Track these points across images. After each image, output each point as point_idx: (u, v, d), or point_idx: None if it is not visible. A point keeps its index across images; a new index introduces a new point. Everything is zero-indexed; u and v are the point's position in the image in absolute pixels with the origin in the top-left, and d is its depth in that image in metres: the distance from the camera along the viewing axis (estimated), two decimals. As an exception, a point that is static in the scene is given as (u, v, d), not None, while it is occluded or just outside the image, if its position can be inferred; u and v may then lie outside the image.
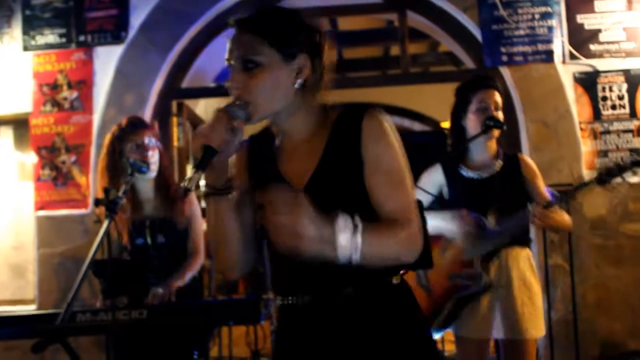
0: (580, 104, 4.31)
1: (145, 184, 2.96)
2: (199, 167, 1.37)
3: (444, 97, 8.17)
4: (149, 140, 2.89)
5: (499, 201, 2.71)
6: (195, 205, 3.01)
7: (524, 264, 2.79)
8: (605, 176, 2.62)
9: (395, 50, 7.87)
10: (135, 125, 2.92)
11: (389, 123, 1.52)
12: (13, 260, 4.86)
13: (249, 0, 4.65)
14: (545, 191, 2.79)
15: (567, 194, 2.68)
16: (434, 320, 2.75)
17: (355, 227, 1.33)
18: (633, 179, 4.16)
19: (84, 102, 4.51)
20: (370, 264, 1.37)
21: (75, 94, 4.53)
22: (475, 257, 2.70)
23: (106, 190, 2.58)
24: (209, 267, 4.27)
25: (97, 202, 2.84)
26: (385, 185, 1.46)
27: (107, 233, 2.49)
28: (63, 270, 4.33)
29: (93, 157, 4.42)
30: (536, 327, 2.73)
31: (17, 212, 4.87)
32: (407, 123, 9.71)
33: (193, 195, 3.00)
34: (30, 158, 4.61)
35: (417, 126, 9.77)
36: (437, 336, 3.11)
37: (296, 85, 1.50)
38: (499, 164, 2.84)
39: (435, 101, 8.71)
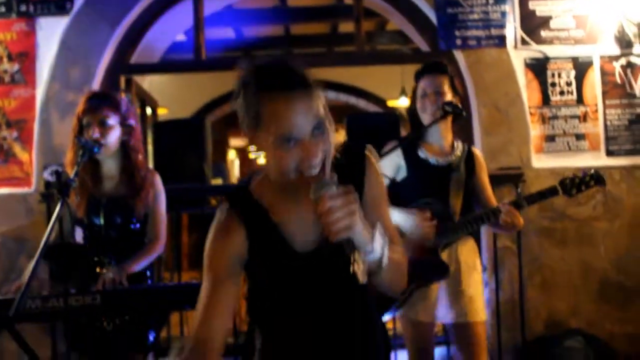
0: (530, 89, 4.39)
1: (110, 161, 2.85)
2: None
3: (390, 76, 8.27)
4: (108, 118, 2.77)
5: (459, 191, 2.76)
6: (160, 190, 2.91)
7: (471, 251, 2.90)
8: (569, 187, 2.82)
9: (343, 27, 7.85)
10: (94, 102, 2.80)
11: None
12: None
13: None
14: (490, 190, 2.94)
15: (534, 198, 2.84)
16: (394, 303, 2.78)
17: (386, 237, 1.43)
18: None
19: (26, 76, 4.29)
20: (385, 274, 1.45)
21: (16, 66, 4.30)
22: (439, 245, 2.75)
23: (57, 173, 2.48)
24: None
25: (48, 185, 2.74)
26: (384, 216, 1.56)
27: (59, 217, 2.39)
28: (5, 251, 4.13)
29: (36, 133, 4.22)
30: (483, 310, 2.84)
31: (-47, 190, 4.63)
32: (352, 100, 9.76)
33: (158, 179, 2.91)
34: (-32, 133, 4.38)
35: (362, 103, 9.83)
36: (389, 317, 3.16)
37: None
38: (457, 153, 2.90)
39: (380, 80, 8.83)
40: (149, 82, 6.23)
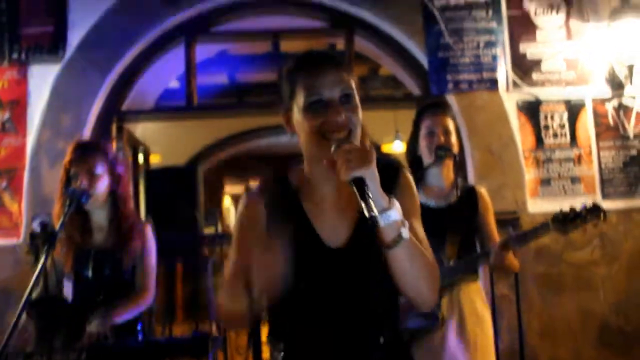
0: (523, 132, 4.38)
1: (99, 212, 2.80)
2: None
3: (383, 122, 8.29)
4: (95, 167, 2.73)
5: (457, 233, 2.69)
6: (151, 240, 2.84)
7: (475, 297, 2.80)
8: (562, 222, 2.63)
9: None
10: (81, 151, 2.76)
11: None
12: None
13: (190, 24, 4.56)
14: (495, 229, 2.83)
15: (525, 237, 2.71)
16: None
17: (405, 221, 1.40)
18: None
19: (17, 124, 4.26)
20: (407, 257, 1.39)
21: (7, 114, 4.27)
22: None
23: (43, 224, 2.43)
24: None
25: (33, 236, 2.69)
26: (414, 228, 1.51)
27: (44, 269, 2.33)
28: (-8, 303, 4.04)
29: (26, 182, 4.17)
30: (489, 358, 2.72)
31: (-59, 240, 4.54)
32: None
33: (149, 229, 2.85)
34: (-44, 182, 4.32)
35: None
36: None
37: None
38: (456, 194, 2.82)
39: (374, 126, 8.80)
40: (141, 130, 6.21)
